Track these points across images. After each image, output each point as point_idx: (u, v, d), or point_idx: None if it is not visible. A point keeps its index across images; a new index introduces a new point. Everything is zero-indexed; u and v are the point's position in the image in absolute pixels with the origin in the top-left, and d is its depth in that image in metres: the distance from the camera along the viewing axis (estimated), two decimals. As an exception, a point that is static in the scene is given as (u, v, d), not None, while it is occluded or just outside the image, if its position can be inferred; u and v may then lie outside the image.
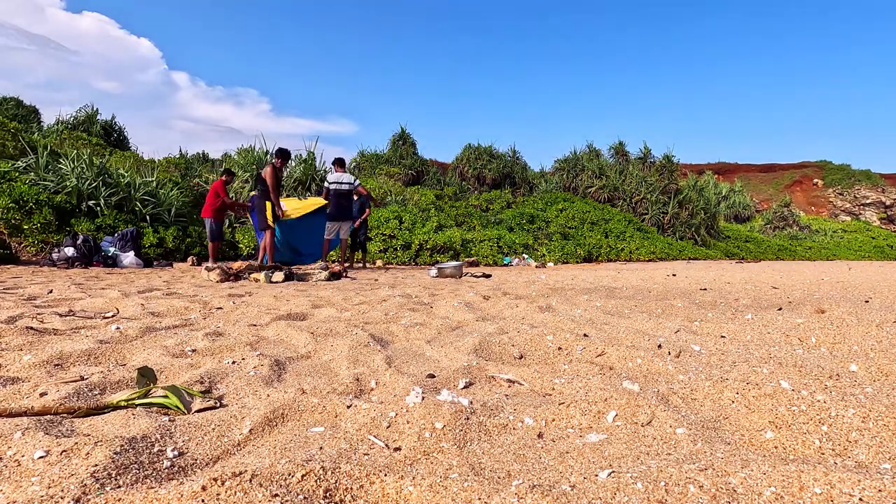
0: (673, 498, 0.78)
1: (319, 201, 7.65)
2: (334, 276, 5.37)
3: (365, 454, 0.97)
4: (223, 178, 7.67)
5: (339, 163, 7.66)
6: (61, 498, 0.74)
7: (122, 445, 0.91)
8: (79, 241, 6.26)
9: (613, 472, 0.88)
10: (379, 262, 9.46)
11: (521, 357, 1.80)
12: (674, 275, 6.94)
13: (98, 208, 8.02)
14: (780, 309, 2.90)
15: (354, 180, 7.45)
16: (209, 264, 5.57)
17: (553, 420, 1.15)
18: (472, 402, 1.20)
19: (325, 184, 7.44)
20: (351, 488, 0.82)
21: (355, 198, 7.71)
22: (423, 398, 1.20)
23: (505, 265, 10.45)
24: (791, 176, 34.18)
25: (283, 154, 6.75)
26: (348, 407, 1.19)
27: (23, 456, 0.89)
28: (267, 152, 13.24)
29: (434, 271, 6.26)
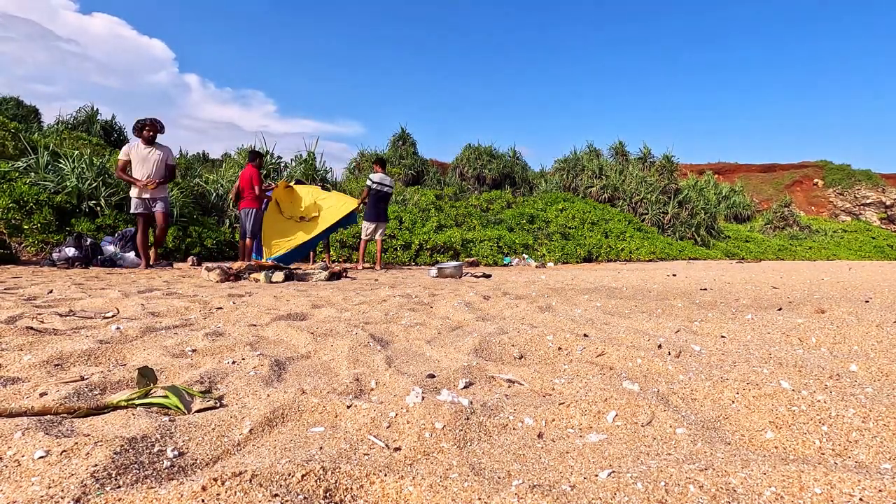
0: (673, 498, 0.78)
1: (344, 205, 7.26)
2: (334, 276, 5.37)
3: (365, 454, 0.97)
4: (254, 164, 7.05)
5: (380, 163, 7.54)
6: (61, 498, 0.74)
7: (122, 445, 0.91)
8: (86, 244, 6.28)
9: (613, 472, 0.88)
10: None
11: (521, 357, 1.80)
12: (674, 275, 6.95)
13: (98, 208, 8.02)
14: (780, 309, 2.90)
15: (392, 185, 7.49)
16: (209, 264, 5.56)
17: (553, 420, 1.15)
18: (472, 402, 1.20)
19: (368, 182, 7.35)
20: (351, 488, 0.82)
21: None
22: (423, 398, 1.20)
23: (505, 265, 10.45)
24: (791, 176, 34.17)
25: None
26: (348, 407, 1.19)
27: (23, 456, 0.89)
28: (268, 152, 13.24)
29: (434, 271, 6.26)
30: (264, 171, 12.22)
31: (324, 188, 7.75)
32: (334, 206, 7.34)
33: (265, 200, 7.26)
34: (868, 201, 31.16)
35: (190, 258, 7.86)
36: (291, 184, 7.66)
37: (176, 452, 0.94)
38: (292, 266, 6.23)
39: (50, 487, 0.77)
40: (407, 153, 19.49)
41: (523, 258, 11.03)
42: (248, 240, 6.97)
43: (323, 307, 2.99)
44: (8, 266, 5.90)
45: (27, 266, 6.03)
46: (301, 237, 7.10)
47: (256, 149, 12.97)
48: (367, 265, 8.02)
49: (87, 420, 1.11)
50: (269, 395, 1.27)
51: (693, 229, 18.23)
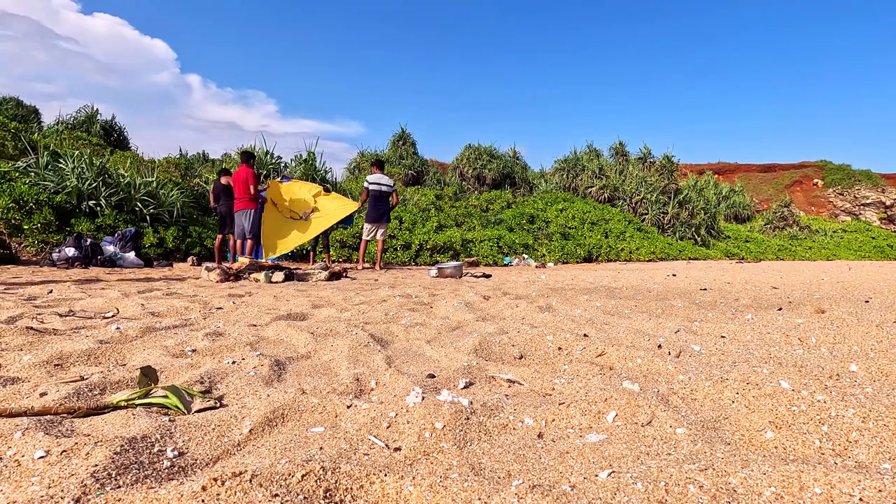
0: (673, 498, 0.78)
1: (344, 207, 7.39)
2: (334, 276, 5.37)
3: (365, 454, 0.97)
4: (248, 165, 7.01)
5: (378, 165, 7.63)
6: (61, 498, 0.74)
7: (122, 445, 0.91)
8: (86, 244, 6.28)
9: (613, 472, 0.88)
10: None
11: (521, 357, 1.80)
12: (674, 275, 6.95)
13: (98, 208, 8.02)
14: (780, 309, 2.90)
15: (393, 185, 7.54)
16: (209, 264, 5.56)
17: (553, 420, 1.15)
18: (472, 403, 1.20)
19: (365, 184, 7.43)
20: (351, 488, 0.82)
21: (391, 201, 7.67)
22: (423, 398, 1.20)
23: (505, 265, 10.45)
24: (791, 176, 34.16)
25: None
26: (348, 407, 1.19)
27: (23, 456, 0.89)
28: (268, 152, 13.23)
29: (434, 271, 6.26)
30: (264, 172, 12.21)
31: (324, 188, 7.78)
32: (334, 208, 7.37)
33: (262, 201, 7.28)
34: (868, 201, 31.15)
35: (190, 258, 7.86)
36: (279, 180, 7.65)
37: (176, 452, 0.94)
38: (292, 266, 6.23)
39: (50, 487, 0.77)
40: (407, 153, 19.49)
41: (523, 258, 11.02)
42: (248, 240, 7.00)
43: (323, 307, 2.99)
44: (8, 266, 5.89)
45: (27, 266, 6.03)
46: (300, 238, 7.13)
47: (256, 149, 12.97)
48: (367, 265, 8.03)
49: (87, 420, 1.11)
50: (269, 395, 1.27)
51: (693, 229, 18.23)
